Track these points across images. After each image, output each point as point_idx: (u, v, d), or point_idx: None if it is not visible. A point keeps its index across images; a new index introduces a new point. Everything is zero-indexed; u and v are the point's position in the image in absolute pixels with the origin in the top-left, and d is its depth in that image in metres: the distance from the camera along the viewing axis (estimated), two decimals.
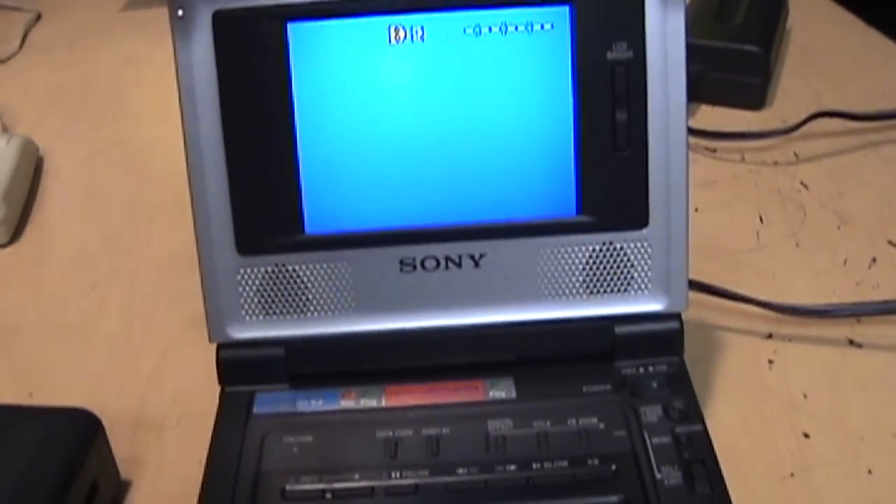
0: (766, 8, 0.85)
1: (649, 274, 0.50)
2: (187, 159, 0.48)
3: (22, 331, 0.63)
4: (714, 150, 0.75)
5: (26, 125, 0.85)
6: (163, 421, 0.55)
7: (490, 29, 0.47)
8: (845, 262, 0.64)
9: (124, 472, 0.52)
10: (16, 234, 0.72)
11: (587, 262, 0.50)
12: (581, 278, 0.50)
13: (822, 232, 0.67)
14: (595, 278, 0.50)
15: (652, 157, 0.48)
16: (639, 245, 0.49)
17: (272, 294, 0.50)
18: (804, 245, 0.66)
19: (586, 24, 0.47)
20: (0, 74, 0.95)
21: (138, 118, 0.87)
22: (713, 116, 0.79)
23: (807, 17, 0.92)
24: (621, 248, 0.49)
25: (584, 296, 0.50)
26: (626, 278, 0.50)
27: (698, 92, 0.78)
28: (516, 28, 0.47)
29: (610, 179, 0.48)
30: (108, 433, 0.50)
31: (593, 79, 0.47)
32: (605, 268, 0.50)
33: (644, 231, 0.49)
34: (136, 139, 0.83)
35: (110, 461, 0.50)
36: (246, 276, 0.49)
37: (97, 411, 0.49)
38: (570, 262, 0.50)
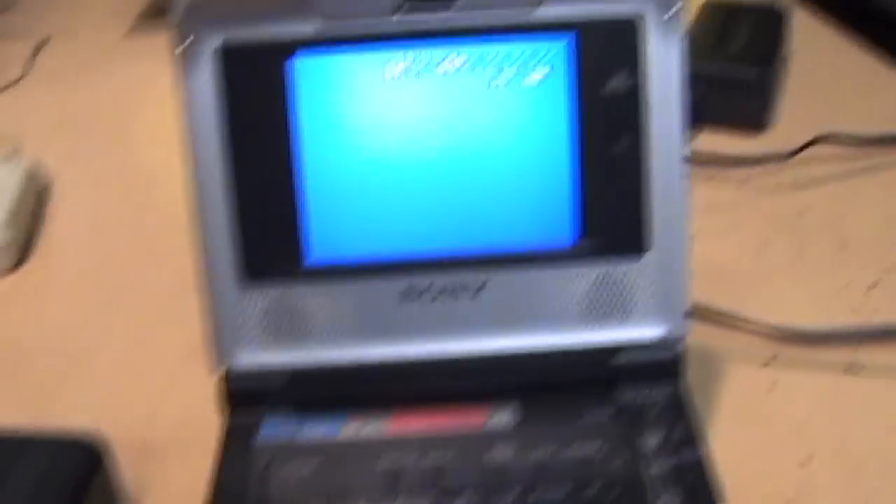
0: (768, 32, 0.85)
1: (649, 301, 0.50)
2: (190, 188, 0.48)
3: (28, 354, 0.64)
4: (714, 176, 0.75)
5: (34, 150, 0.85)
6: (167, 445, 0.56)
7: (488, 62, 0.48)
8: (846, 286, 0.64)
9: (128, 498, 0.52)
10: (21, 258, 0.72)
11: (587, 291, 0.50)
12: (581, 306, 0.50)
13: (822, 256, 0.67)
14: (595, 306, 0.50)
15: (651, 185, 0.49)
16: (638, 272, 0.50)
17: (274, 322, 0.50)
18: (805, 269, 0.66)
19: (585, 54, 0.48)
20: (8, 99, 0.95)
21: (144, 142, 0.87)
22: (714, 140, 0.79)
23: (808, 42, 0.92)
24: (621, 276, 0.50)
25: (584, 323, 0.50)
26: (625, 305, 0.50)
27: (698, 116, 0.78)
28: (515, 60, 0.48)
29: (609, 208, 0.49)
30: (112, 457, 0.50)
31: (592, 108, 0.48)
32: (604, 295, 0.50)
33: (643, 258, 0.50)
34: (143, 163, 0.84)
35: (113, 491, 0.50)
36: (248, 305, 0.50)
37: (102, 434, 0.50)
38: (569, 290, 0.50)
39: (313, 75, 0.48)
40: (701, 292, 0.54)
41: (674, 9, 0.47)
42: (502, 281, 0.50)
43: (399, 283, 0.50)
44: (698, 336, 0.57)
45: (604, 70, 0.48)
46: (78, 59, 1.01)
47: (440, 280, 0.50)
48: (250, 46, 0.47)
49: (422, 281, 0.50)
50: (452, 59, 0.48)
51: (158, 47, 0.49)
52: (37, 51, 1.04)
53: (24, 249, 0.73)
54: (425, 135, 0.48)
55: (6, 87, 0.97)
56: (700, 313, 0.58)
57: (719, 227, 0.70)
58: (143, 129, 0.89)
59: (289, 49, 0.47)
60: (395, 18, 0.47)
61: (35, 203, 0.77)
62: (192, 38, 0.47)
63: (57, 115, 0.92)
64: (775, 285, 0.65)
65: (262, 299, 0.50)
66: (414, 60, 0.47)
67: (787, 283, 0.65)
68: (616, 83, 0.47)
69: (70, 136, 0.88)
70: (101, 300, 0.68)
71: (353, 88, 0.48)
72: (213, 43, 0.47)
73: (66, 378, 0.62)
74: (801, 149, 0.75)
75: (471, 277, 0.50)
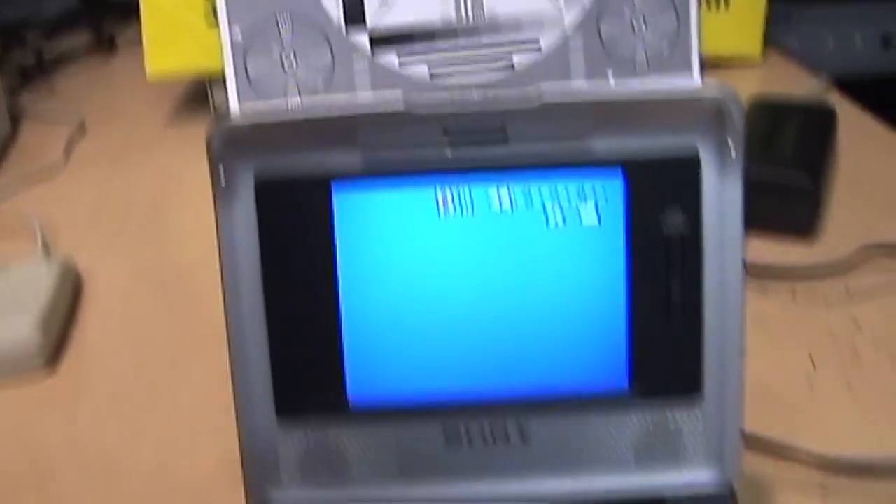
0: (817, 135, 0.83)
1: (701, 445, 0.48)
2: (227, 322, 0.47)
3: (56, 467, 0.62)
4: (763, 286, 0.73)
5: (67, 245, 0.84)
6: None
7: (540, 199, 0.46)
8: None
9: None
10: (53, 361, 0.71)
11: (638, 436, 0.48)
12: (631, 451, 0.49)
13: (877, 377, 0.65)
14: (645, 451, 0.49)
15: (706, 328, 0.47)
16: (691, 416, 0.48)
17: (313, 460, 0.49)
18: (858, 392, 0.64)
19: (640, 193, 0.46)
20: (43, 190, 0.95)
21: (180, 239, 0.87)
22: (762, 248, 0.77)
23: (855, 141, 0.90)
24: (673, 420, 0.48)
25: (634, 468, 0.49)
26: (677, 450, 0.48)
27: (745, 222, 0.77)
28: (567, 198, 0.46)
29: (663, 351, 0.47)
30: None
31: (647, 250, 0.46)
32: (656, 440, 0.48)
33: (697, 402, 0.48)
34: (178, 261, 0.83)
35: None
36: (286, 442, 0.48)
37: None
38: (620, 435, 0.48)
39: (355, 210, 0.46)
40: (750, 415, 0.52)
41: (733, 147, 0.45)
42: (552, 426, 0.48)
43: (443, 427, 0.48)
44: (748, 463, 0.54)
45: (659, 209, 0.46)
46: (115, 149, 1.01)
47: (486, 424, 0.48)
48: (289, 179, 0.46)
49: (467, 425, 0.48)
50: (506, 196, 0.46)
51: (197, 137, 0.48)
52: (74, 139, 1.04)
53: (56, 350, 0.72)
54: (472, 275, 0.47)
55: (41, 178, 0.96)
56: (748, 442, 0.55)
57: (768, 343, 0.68)
58: (179, 225, 0.89)
59: (329, 182, 0.46)
60: (446, 152, 0.45)
61: (68, 303, 0.76)
62: (229, 171, 0.45)
63: (92, 208, 0.92)
64: (827, 408, 0.62)
65: (299, 439, 0.48)
66: (461, 197, 0.46)
67: (840, 406, 0.62)
68: (672, 223, 0.46)
69: (105, 231, 0.87)
70: (132, 411, 0.66)
71: (397, 225, 0.46)
72: (250, 175, 0.45)
73: (95, 493, 0.60)
74: (853, 259, 0.73)
75: (518, 422, 0.48)
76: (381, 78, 0.96)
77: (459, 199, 0.46)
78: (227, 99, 0.97)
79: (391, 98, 0.44)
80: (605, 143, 0.46)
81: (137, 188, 0.94)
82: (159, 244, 0.86)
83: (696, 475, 0.48)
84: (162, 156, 0.99)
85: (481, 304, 0.47)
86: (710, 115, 0.45)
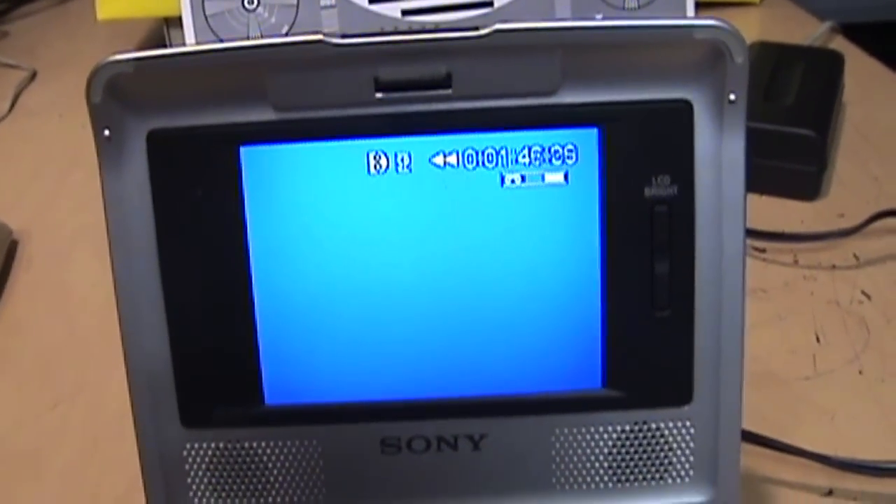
0: (821, 84, 0.76)
1: (691, 460, 0.41)
2: (119, 311, 0.40)
3: None
4: (764, 251, 0.67)
5: (3, 202, 0.78)
6: None
7: (494, 158, 0.38)
8: None
9: None
10: None
11: (614, 446, 0.41)
12: (606, 465, 0.41)
13: (888, 355, 0.58)
14: (624, 465, 0.41)
15: (698, 319, 0.39)
16: (679, 425, 0.41)
17: (226, 474, 0.41)
18: (868, 372, 0.57)
19: (619, 151, 0.38)
20: None
21: None
22: (763, 208, 0.70)
23: (862, 89, 0.84)
24: (657, 429, 0.41)
25: (610, 486, 0.42)
26: (662, 465, 0.41)
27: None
28: (527, 156, 0.38)
29: (645, 345, 0.40)
30: None
31: (627, 220, 0.39)
32: (636, 452, 0.41)
33: (686, 408, 0.41)
34: None
35: None
36: (194, 454, 0.41)
37: None
38: (593, 445, 0.41)
39: (268, 170, 0.38)
40: (750, 399, 0.45)
41: (733, 94, 0.37)
42: (510, 431, 0.41)
43: (379, 431, 0.41)
44: (747, 458, 0.48)
45: (643, 171, 0.38)
46: (64, 99, 0.96)
47: (430, 428, 0.41)
48: (187, 133, 0.38)
49: (407, 429, 0.41)
50: (447, 153, 0.38)
51: None
52: (23, 86, 1.00)
53: None
54: (413, 248, 0.39)
55: None
56: (749, 437, 0.49)
57: (770, 315, 0.62)
58: None
59: (236, 136, 0.38)
60: (377, 99, 0.38)
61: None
62: (115, 123, 0.38)
63: (35, 162, 0.86)
64: (835, 393, 0.56)
65: (209, 447, 0.41)
66: (398, 153, 0.38)
67: (849, 390, 0.56)
68: (658, 188, 0.38)
69: (45, 189, 0.82)
70: (58, 390, 0.60)
71: (320, 187, 0.39)
72: (141, 129, 0.38)
73: (9, 485, 0.54)
74: (862, 225, 0.66)
75: (468, 426, 0.41)
76: (350, 16, 0.89)
77: (395, 157, 0.38)
78: (184, 41, 0.90)
79: (308, 36, 0.36)
80: (575, 94, 0.38)
81: (84, 143, 0.87)
82: (100, 205, 0.78)
83: (685, 495, 0.42)
84: None
85: (422, 283, 0.40)
86: (705, 55, 0.37)
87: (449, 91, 0.38)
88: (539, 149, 0.38)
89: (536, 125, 0.38)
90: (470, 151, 0.38)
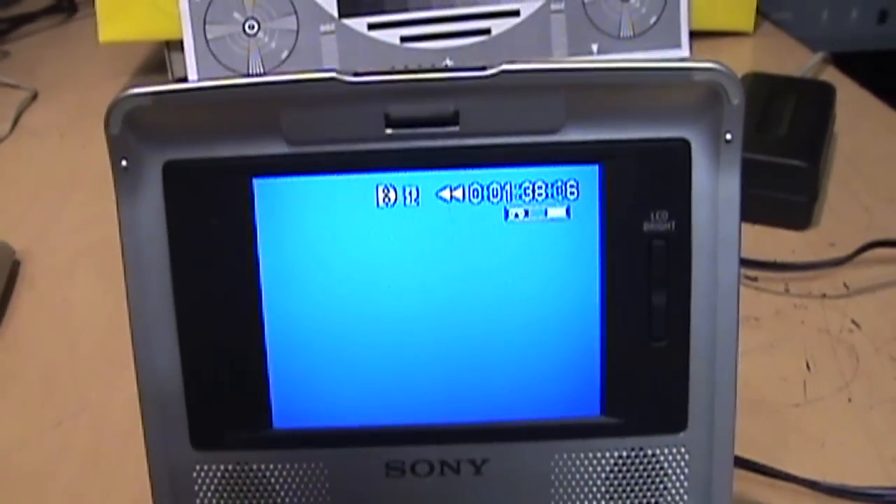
0: (813, 116, 0.77)
1: (686, 485, 0.42)
2: (132, 335, 0.41)
3: None
4: (755, 279, 0.68)
5: (5, 223, 0.78)
6: None
7: (499, 192, 0.40)
8: None
9: None
10: None
11: (612, 471, 0.42)
12: (604, 489, 0.42)
13: (877, 383, 0.59)
14: (621, 490, 0.42)
15: (694, 349, 0.40)
16: (675, 451, 0.42)
17: (234, 495, 0.42)
18: (857, 399, 0.58)
19: (619, 187, 0.39)
20: None
21: None
22: (755, 237, 0.71)
23: (853, 120, 0.85)
24: (653, 455, 0.42)
25: None
26: (658, 490, 0.42)
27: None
28: (531, 191, 0.40)
29: (642, 374, 0.41)
30: None
31: (626, 254, 0.40)
32: (633, 478, 0.42)
33: (681, 435, 0.41)
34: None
35: None
36: (203, 475, 0.42)
37: None
38: (591, 470, 0.42)
39: (279, 202, 0.39)
40: (741, 425, 0.46)
41: (729, 133, 0.39)
42: (509, 456, 0.42)
43: (383, 456, 0.42)
44: (738, 483, 0.48)
45: (642, 207, 0.39)
46: (66, 119, 0.96)
47: (434, 453, 0.42)
48: (202, 165, 0.39)
49: (411, 454, 0.42)
50: (458, 186, 0.39)
51: None
52: (24, 106, 1.00)
53: None
54: (419, 279, 0.40)
55: None
56: (739, 462, 0.50)
57: (761, 343, 0.62)
58: None
59: (249, 168, 0.39)
60: (388, 135, 0.39)
61: (1, 286, 0.70)
62: (132, 154, 0.39)
63: (37, 182, 0.86)
64: (824, 420, 0.57)
65: (218, 468, 0.42)
66: (406, 187, 0.39)
67: (838, 418, 0.57)
68: (656, 224, 0.39)
69: (47, 209, 0.82)
70: (61, 409, 0.60)
71: (330, 220, 0.40)
72: (158, 160, 0.39)
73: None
74: (854, 255, 0.67)
75: (471, 451, 0.42)
76: (349, 43, 0.90)
77: (403, 191, 0.40)
78: (185, 65, 0.92)
79: (322, 73, 0.38)
80: (578, 132, 0.39)
81: (85, 163, 0.88)
82: (103, 225, 0.79)
83: None
84: None
85: (427, 312, 0.40)
86: (703, 96, 0.39)
87: (456, 128, 0.39)
88: (542, 184, 0.39)
89: (540, 162, 0.39)
90: (476, 186, 0.40)
